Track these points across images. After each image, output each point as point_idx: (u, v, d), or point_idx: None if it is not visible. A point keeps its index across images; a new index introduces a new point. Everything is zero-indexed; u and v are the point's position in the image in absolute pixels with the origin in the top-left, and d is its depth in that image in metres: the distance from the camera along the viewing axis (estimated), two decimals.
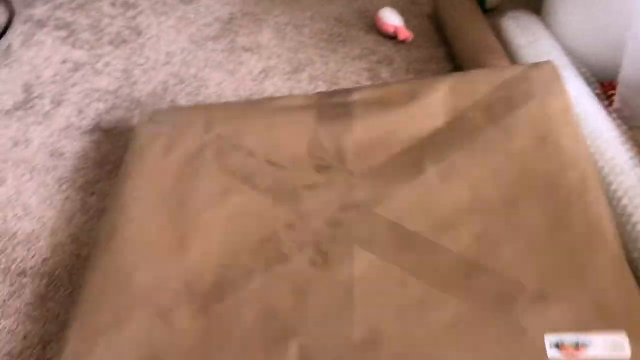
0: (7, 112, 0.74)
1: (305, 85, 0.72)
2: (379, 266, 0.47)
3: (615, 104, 0.56)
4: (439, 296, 0.44)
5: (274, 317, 0.45)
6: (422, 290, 0.45)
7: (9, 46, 0.83)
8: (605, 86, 0.61)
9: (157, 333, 0.46)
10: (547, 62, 0.57)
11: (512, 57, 0.65)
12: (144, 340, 0.46)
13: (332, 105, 0.59)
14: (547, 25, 0.67)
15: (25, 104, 0.75)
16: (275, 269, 0.48)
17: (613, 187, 0.47)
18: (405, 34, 0.76)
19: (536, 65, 0.57)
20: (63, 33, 0.85)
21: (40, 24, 0.86)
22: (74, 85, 0.77)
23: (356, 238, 0.49)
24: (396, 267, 0.46)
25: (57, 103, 0.75)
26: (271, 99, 0.63)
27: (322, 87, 0.72)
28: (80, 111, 0.73)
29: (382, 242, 0.48)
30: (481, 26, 0.71)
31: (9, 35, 0.84)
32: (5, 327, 0.54)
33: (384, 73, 0.72)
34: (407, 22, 0.78)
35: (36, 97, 0.76)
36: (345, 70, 0.74)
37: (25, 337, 0.53)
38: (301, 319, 0.45)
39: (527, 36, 0.65)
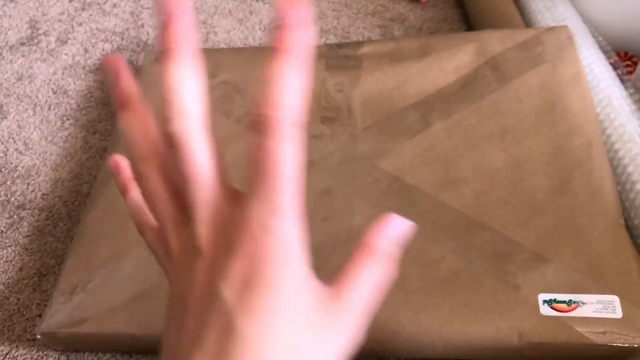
0: (12, 47, 0.73)
1: (316, 38, 0.71)
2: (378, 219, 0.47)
3: (634, 75, 0.55)
4: (436, 251, 0.44)
5: None
6: (420, 244, 0.45)
7: None
8: (620, 56, 0.60)
9: (151, 273, 0.47)
10: (563, 27, 0.56)
11: (527, 21, 0.64)
12: (138, 278, 0.47)
13: (342, 57, 0.58)
14: None
15: (30, 40, 0.74)
16: None
17: (620, 154, 0.47)
18: None
19: (551, 29, 0.56)
20: None
21: None
22: (80, 24, 0.76)
23: (357, 190, 0.49)
24: None
25: (62, 41, 0.74)
26: None
27: (332, 41, 0.71)
28: (86, 50, 0.72)
29: (383, 195, 0.48)
30: None
31: None
32: (2, 257, 0.54)
33: (397, 31, 0.71)
34: None
35: (42, 33, 0.75)
36: (357, 26, 0.72)
37: (21, 269, 0.54)
38: None
39: (544, 1, 0.63)
